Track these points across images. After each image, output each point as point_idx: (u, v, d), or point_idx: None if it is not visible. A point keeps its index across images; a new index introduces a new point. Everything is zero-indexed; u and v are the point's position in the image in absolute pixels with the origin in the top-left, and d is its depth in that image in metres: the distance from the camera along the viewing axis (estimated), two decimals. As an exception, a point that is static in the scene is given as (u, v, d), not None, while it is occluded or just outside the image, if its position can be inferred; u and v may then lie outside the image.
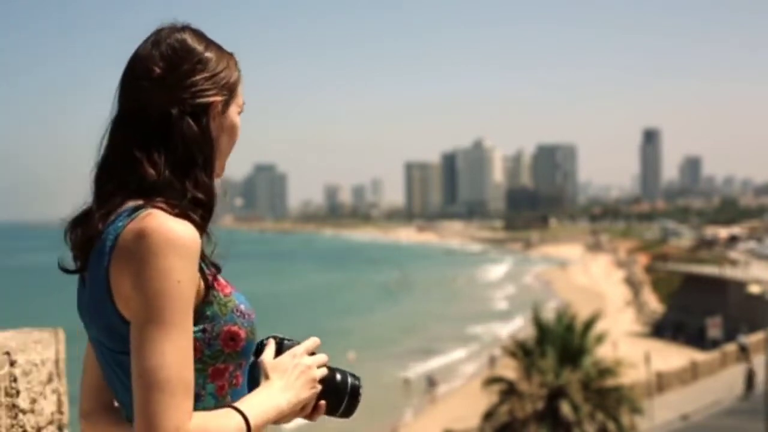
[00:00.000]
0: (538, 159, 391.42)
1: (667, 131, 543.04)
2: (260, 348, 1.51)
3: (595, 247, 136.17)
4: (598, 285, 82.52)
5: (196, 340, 1.34)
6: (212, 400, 1.39)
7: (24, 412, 2.21)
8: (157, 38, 1.45)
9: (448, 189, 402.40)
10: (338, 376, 1.55)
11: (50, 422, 2.34)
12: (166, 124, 1.39)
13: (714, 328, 43.18)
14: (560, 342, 22.39)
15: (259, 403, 1.39)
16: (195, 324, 1.34)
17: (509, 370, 23.73)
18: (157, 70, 1.40)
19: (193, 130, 1.40)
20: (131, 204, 1.36)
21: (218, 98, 1.44)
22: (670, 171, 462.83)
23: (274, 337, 1.55)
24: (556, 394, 21.17)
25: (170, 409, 1.25)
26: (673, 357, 39.89)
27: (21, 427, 2.20)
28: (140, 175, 1.37)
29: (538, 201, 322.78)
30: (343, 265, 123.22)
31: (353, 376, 1.57)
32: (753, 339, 38.37)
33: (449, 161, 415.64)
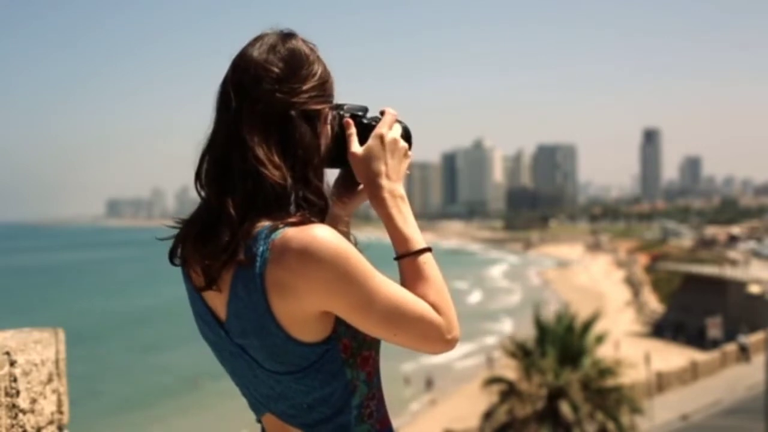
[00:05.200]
0: (538, 159, 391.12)
1: (667, 131, 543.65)
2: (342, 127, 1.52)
3: (595, 247, 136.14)
4: (598, 285, 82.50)
5: (343, 336, 1.40)
6: (365, 388, 1.45)
7: (24, 412, 2.21)
8: (270, 43, 1.46)
9: (448, 189, 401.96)
10: (403, 124, 1.58)
11: (50, 422, 2.33)
12: (286, 126, 1.41)
13: (714, 328, 43.21)
14: (560, 342, 22.39)
15: (409, 220, 1.49)
16: (340, 320, 1.40)
17: (509, 370, 23.70)
18: (279, 73, 1.42)
19: (310, 134, 1.43)
20: (266, 223, 1.36)
21: (326, 106, 1.48)
22: (670, 171, 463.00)
23: (352, 117, 1.53)
24: (556, 394, 21.17)
25: (431, 317, 1.39)
26: (673, 357, 39.90)
27: (21, 427, 2.20)
28: (267, 182, 1.37)
29: (538, 201, 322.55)
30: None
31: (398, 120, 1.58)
32: (753, 339, 38.40)
33: (449, 161, 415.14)
